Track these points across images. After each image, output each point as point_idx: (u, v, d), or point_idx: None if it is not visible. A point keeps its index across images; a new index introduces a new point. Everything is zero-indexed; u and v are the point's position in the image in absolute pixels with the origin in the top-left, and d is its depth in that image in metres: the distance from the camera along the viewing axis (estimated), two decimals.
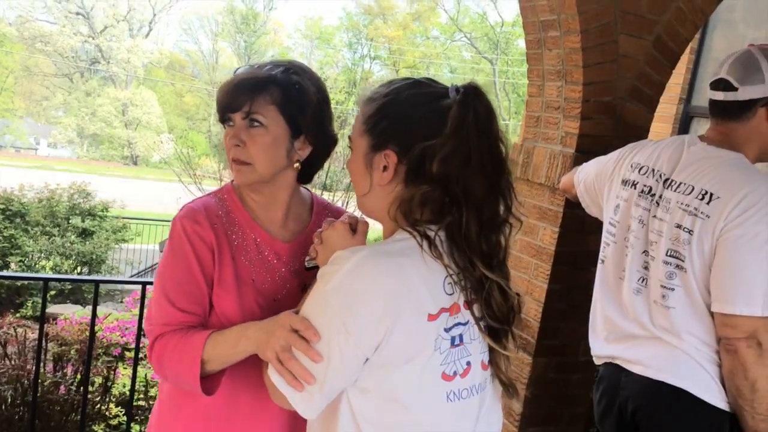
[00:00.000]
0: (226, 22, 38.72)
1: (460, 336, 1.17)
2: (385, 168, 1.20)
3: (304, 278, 1.46)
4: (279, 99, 1.39)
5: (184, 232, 1.40)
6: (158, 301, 1.40)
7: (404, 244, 1.16)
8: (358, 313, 1.11)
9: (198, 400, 1.39)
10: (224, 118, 1.43)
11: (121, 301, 8.97)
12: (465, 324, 1.18)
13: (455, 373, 1.17)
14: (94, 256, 9.68)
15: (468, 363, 1.19)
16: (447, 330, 1.15)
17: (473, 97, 1.18)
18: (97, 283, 2.42)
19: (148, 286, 2.43)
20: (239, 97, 1.38)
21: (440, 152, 1.15)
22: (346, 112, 10.80)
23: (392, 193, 1.21)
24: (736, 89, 1.88)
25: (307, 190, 1.63)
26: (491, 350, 1.24)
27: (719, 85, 1.92)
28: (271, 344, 1.19)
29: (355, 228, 1.32)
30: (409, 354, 1.12)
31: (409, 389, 1.14)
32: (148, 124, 33.64)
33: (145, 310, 1.68)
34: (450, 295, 1.16)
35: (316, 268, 1.35)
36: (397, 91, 1.22)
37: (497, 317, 1.21)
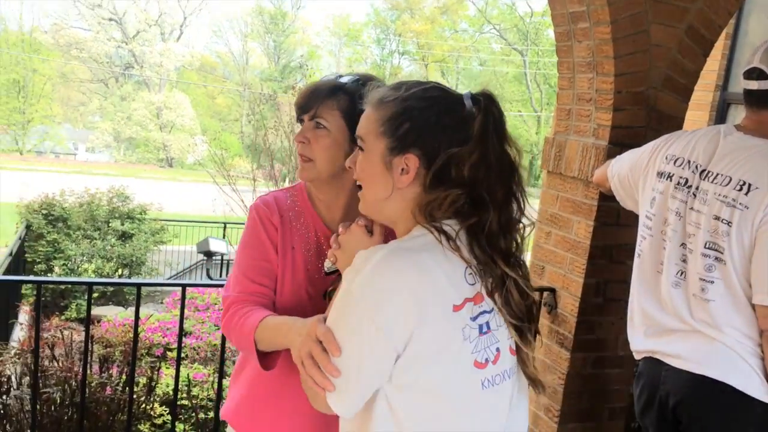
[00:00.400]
0: (255, 23, 39.01)
1: (487, 323, 1.21)
2: (403, 171, 1.23)
3: (324, 283, 1.53)
4: (344, 106, 1.52)
5: (257, 215, 1.58)
6: (235, 274, 1.57)
7: (423, 239, 1.20)
8: (385, 309, 1.13)
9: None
10: (299, 118, 1.58)
11: (161, 302, 9.14)
12: (490, 312, 1.21)
13: (487, 360, 1.21)
14: (134, 258, 9.88)
15: (497, 349, 1.22)
16: (473, 319, 1.18)
17: (491, 104, 1.24)
18: (139, 286, 2.48)
19: (187, 288, 2.49)
20: (310, 101, 1.54)
21: (469, 159, 1.20)
22: None
23: (409, 195, 1.24)
24: None
25: None
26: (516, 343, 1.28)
27: (752, 74, 1.90)
28: (298, 349, 1.24)
29: (371, 229, 1.35)
30: (440, 345, 1.15)
31: (445, 380, 1.17)
32: (182, 127, 34.11)
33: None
34: (472, 285, 1.19)
35: (335, 272, 1.40)
36: (417, 96, 1.25)
37: (517, 315, 1.24)
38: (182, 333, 2.59)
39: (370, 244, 1.30)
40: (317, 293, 1.54)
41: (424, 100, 1.24)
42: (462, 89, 1.31)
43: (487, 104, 1.24)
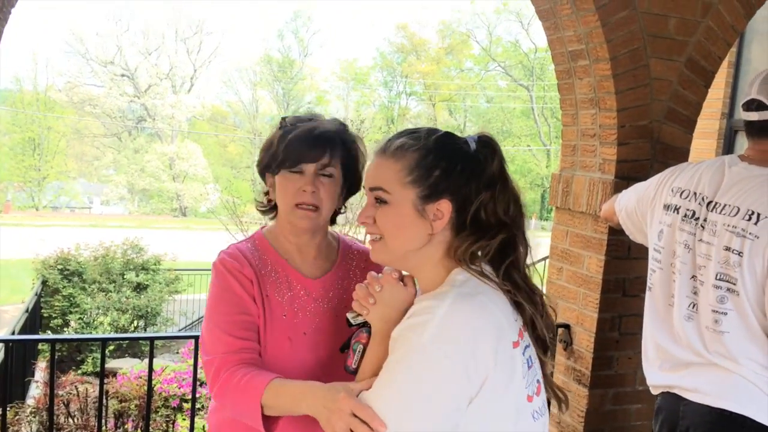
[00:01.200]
0: (263, 72, 39.66)
1: (530, 357, 1.24)
2: (435, 217, 1.23)
3: (344, 335, 1.48)
4: (343, 154, 1.57)
5: (225, 269, 1.53)
6: (213, 334, 1.49)
7: (472, 283, 1.21)
8: (467, 356, 1.13)
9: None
10: (295, 165, 1.52)
11: (177, 352, 9.11)
12: (529, 346, 1.25)
13: (533, 393, 1.24)
14: (149, 309, 9.89)
15: (538, 381, 1.26)
16: (523, 354, 1.22)
17: (498, 147, 1.29)
18: (152, 339, 2.47)
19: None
20: (318, 149, 1.52)
21: (502, 201, 1.25)
22: None
23: (438, 240, 1.25)
24: None
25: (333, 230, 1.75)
26: (542, 365, 1.32)
27: (752, 105, 1.91)
28: (332, 423, 1.22)
29: (402, 279, 1.34)
30: (506, 383, 1.17)
31: (509, 417, 1.19)
32: (195, 176, 34.45)
33: (200, 357, 1.72)
34: (515, 321, 1.23)
35: (361, 324, 1.36)
36: (439, 144, 1.26)
37: (548, 328, 1.30)
38: (196, 385, 2.57)
39: (408, 295, 1.31)
40: (297, 336, 1.54)
41: (446, 147, 1.26)
42: (470, 126, 1.40)
43: (497, 147, 1.29)
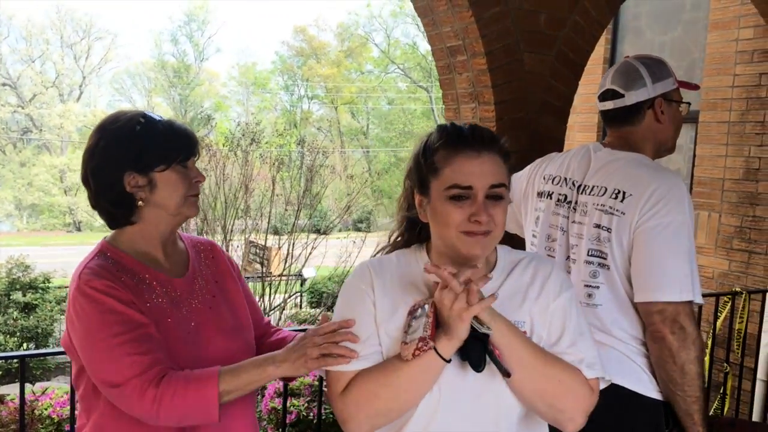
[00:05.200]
0: (158, 78, 38.49)
1: None
2: None
3: (219, 323, 1.56)
4: None
5: (97, 290, 1.38)
6: (114, 362, 1.35)
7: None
8: None
9: None
10: (193, 156, 1.57)
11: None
12: None
13: None
14: (39, 330, 9.34)
15: None
16: None
17: None
18: (22, 358, 2.31)
19: None
20: (195, 140, 1.58)
21: None
22: (288, 154, 10.75)
23: None
24: (622, 96, 1.99)
25: None
26: None
27: (606, 95, 2.04)
28: (309, 354, 1.34)
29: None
30: None
31: None
32: None
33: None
34: None
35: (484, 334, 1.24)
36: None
37: None
38: (74, 405, 2.42)
39: None
40: (187, 337, 1.47)
41: None
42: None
43: None
